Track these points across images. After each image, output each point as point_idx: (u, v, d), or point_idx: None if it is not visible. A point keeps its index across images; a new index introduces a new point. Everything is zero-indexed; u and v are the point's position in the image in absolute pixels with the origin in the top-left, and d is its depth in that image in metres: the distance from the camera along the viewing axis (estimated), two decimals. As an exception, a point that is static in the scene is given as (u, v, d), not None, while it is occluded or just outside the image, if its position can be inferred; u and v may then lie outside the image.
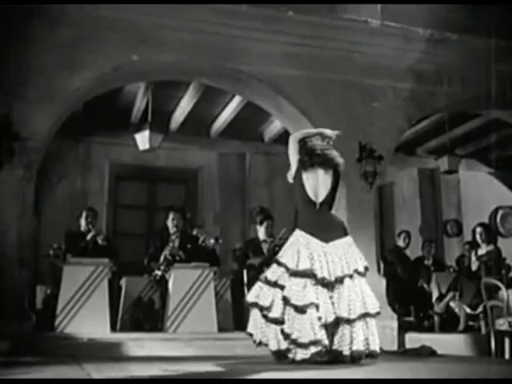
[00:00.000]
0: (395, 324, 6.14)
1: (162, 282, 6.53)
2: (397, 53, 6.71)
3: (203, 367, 3.61)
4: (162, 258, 6.62)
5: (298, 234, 3.95)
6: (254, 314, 3.91)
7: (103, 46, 5.88)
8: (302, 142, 4.16)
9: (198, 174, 9.73)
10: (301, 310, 3.68)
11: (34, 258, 7.27)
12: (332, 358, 3.70)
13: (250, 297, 3.93)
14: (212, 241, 7.04)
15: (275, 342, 3.82)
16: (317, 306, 3.70)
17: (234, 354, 4.97)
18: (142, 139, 7.92)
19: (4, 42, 5.52)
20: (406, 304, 7.66)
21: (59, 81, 5.74)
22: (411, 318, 7.58)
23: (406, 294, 7.79)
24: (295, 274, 3.79)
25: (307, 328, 3.65)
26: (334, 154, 4.11)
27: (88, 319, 5.70)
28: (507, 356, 5.44)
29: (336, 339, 3.71)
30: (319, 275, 3.77)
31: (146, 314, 6.55)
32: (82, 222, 6.75)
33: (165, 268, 6.54)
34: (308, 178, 4.04)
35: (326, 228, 3.96)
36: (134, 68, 6.15)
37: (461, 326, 6.64)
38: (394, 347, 5.90)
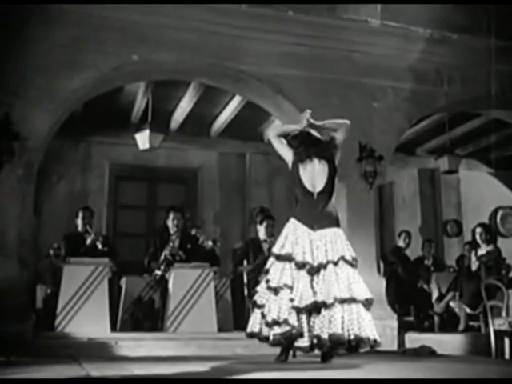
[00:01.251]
0: (395, 324, 6.14)
1: (162, 282, 6.53)
2: (397, 53, 6.72)
3: (203, 367, 3.60)
4: (162, 257, 6.62)
5: (290, 222, 4.04)
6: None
7: (103, 45, 5.89)
8: (292, 135, 4.20)
9: (198, 173, 9.72)
10: (274, 290, 3.80)
11: (34, 258, 7.27)
12: (312, 342, 3.71)
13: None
14: (210, 243, 7.03)
15: (250, 323, 3.92)
16: (291, 288, 3.78)
17: (233, 353, 4.98)
18: (142, 139, 7.92)
19: (4, 42, 5.51)
20: (406, 304, 7.65)
21: (59, 81, 5.74)
22: (411, 318, 7.57)
23: (406, 294, 7.79)
24: (278, 257, 3.92)
25: (275, 308, 3.75)
26: (324, 141, 4.14)
27: (88, 319, 5.70)
28: (507, 356, 5.44)
29: (316, 324, 3.73)
30: (297, 259, 3.84)
31: (146, 314, 6.55)
32: (79, 222, 6.75)
33: (165, 268, 6.53)
34: (305, 170, 4.08)
35: (317, 217, 4.00)
36: (134, 68, 6.16)
37: (461, 326, 6.64)
38: (394, 347, 5.90)
